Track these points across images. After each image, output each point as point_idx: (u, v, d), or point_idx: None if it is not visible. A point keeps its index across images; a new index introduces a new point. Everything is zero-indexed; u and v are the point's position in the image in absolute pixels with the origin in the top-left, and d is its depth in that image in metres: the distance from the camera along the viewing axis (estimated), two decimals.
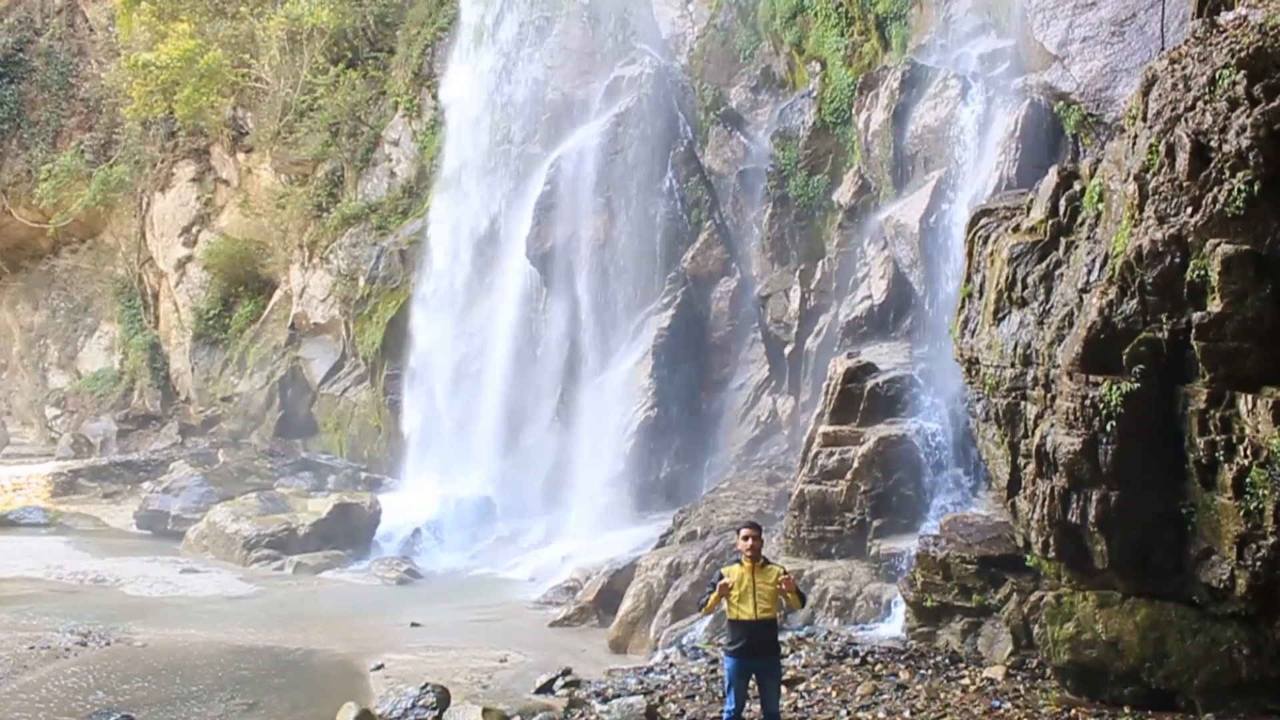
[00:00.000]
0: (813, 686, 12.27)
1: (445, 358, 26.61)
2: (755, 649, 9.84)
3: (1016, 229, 12.71)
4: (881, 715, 11.31)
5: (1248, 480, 9.68)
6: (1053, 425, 11.11)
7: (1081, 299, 11.13)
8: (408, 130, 30.14)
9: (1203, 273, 9.87)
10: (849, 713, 11.41)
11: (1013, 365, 11.90)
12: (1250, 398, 9.66)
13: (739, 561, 9.93)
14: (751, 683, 9.95)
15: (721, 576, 9.90)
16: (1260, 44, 9.87)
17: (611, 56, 25.33)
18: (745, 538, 9.87)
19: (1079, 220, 11.93)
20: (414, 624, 17.50)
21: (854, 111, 19.89)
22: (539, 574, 20.68)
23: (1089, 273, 11.20)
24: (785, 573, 9.95)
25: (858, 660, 13.01)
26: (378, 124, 30.81)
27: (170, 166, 36.01)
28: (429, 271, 27.28)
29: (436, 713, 11.92)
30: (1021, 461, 11.77)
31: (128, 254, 37.07)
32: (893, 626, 14.03)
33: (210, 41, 31.97)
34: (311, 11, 30.85)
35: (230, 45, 32.23)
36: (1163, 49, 12.58)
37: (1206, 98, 10.04)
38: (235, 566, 22.29)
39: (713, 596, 9.95)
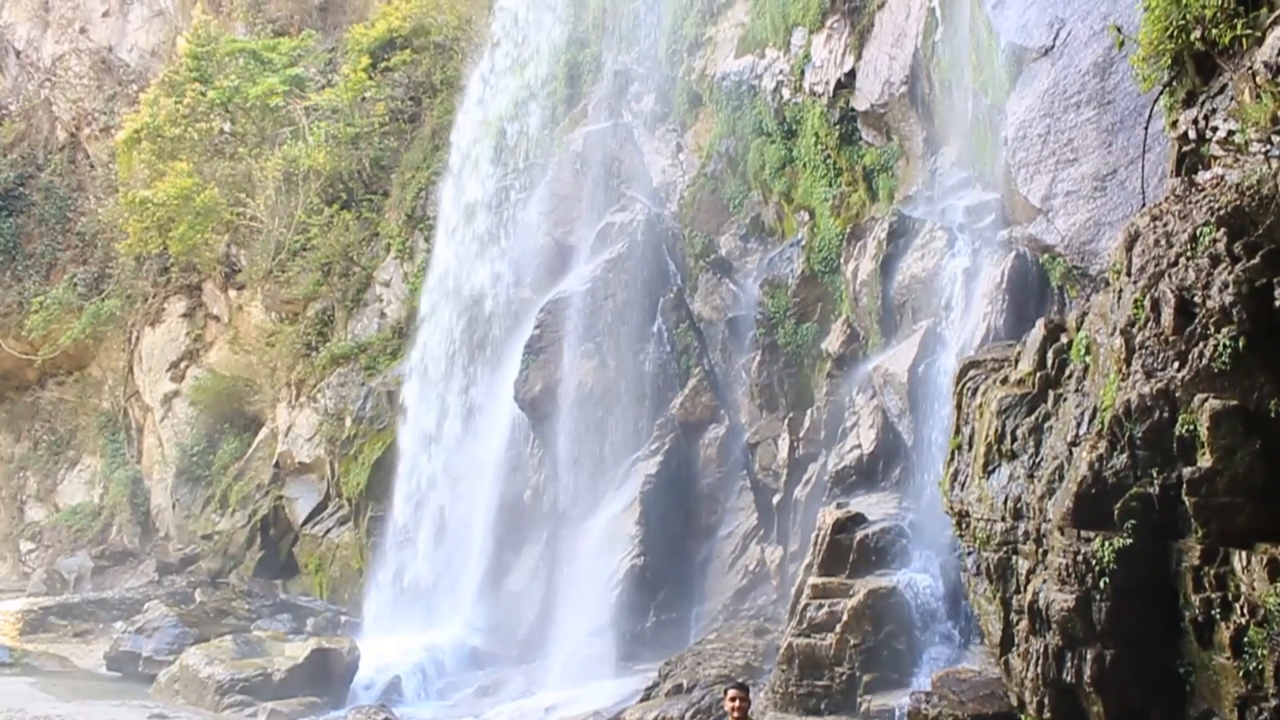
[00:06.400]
0: None
1: (430, 501, 26.32)
2: None
3: (1005, 381, 12.75)
4: None
5: (1245, 639, 9.51)
6: (1045, 581, 10.95)
7: (1071, 452, 11.09)
8: (399, 271, 30.43)
9: (1191, 427, 9.88)
10: None
11: (1003, 519, 11.78)
12: (1244, 554, 9.56)
13: None
14: None
15: None
16: (1238, 203, 10.09)
17: (602, 203, 25.71)
18: (733, 699, 9.69)
19: (1067, 373, 11.97)
20: None
21: (842, 261, 20.13)
22: None
23: (1078, 426, 11.19)
24: None
25: None
26: (370, 264, 31.12)
27: (161, 301, 36.23)
28: (412, 415, 27.21)
29: None
30: (1014, 618, 11.55)
31: (114, 387, 37.00)
32: None
33: (208, 180, 32.47)
34: (308, 154, 31.44)
35: (227, 184, 32.72)
36: (1143, 204, 12.80)
37: (1189, 254, 10.20)
38: (206, 712, 21.54)
39: None
